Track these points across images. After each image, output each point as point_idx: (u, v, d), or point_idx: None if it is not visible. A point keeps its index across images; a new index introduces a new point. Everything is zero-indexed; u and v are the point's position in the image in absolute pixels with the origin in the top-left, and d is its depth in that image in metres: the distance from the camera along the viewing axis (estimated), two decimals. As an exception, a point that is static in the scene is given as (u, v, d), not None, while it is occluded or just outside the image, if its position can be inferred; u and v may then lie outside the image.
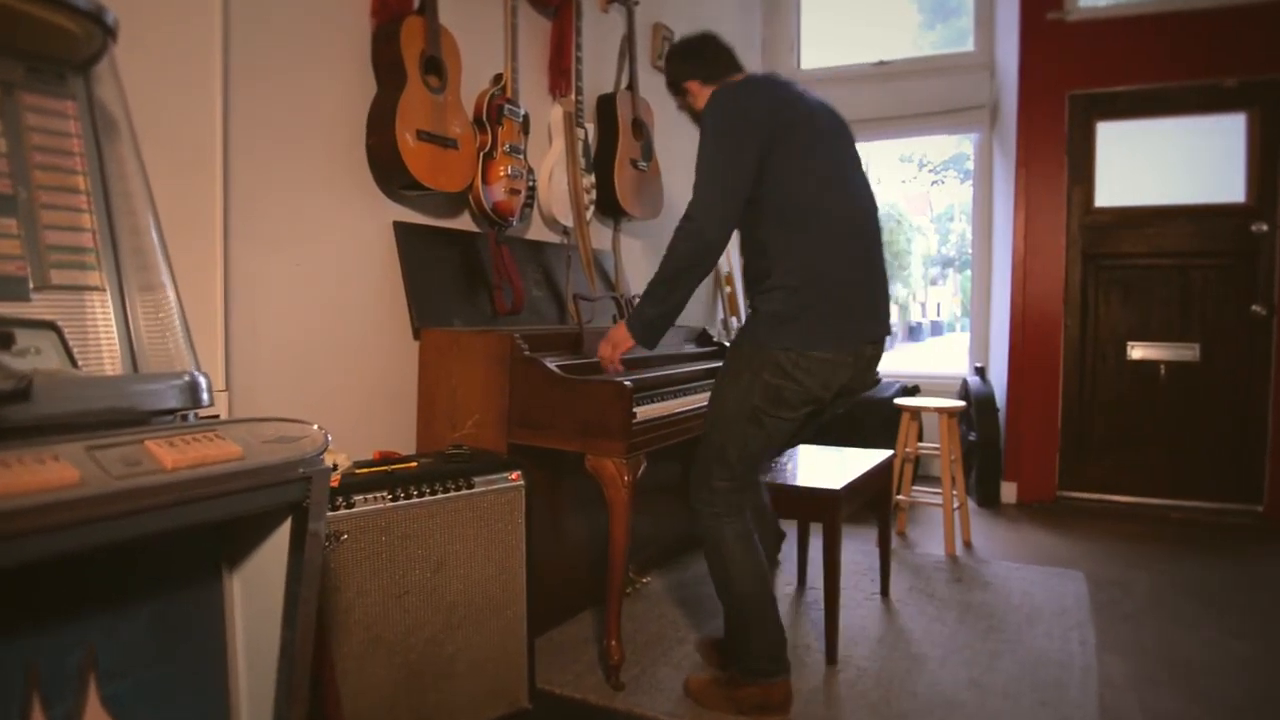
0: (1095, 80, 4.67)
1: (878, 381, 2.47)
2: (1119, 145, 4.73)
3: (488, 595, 2.24)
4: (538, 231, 3.53)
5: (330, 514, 1.96)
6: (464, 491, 2.19)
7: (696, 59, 2.43)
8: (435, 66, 2.71)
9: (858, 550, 3.89)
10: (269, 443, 1.20)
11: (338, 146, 2.59)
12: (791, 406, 2.22)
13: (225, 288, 1.97)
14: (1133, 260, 4.72)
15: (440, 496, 2.14)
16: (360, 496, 2.01)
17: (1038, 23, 4.74)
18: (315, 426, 1.26)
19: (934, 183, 8.76)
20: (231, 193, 2.25)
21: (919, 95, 5.49)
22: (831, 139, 2.28)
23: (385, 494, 2.05)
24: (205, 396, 1.23)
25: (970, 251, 5.73)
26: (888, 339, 2.35)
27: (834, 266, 2.19)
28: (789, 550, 3.74)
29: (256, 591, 1.30)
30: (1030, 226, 4.84)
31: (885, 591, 3.32)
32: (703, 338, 3.89)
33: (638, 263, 4.17)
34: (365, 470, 2.10)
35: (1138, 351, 4.74)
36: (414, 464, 2.19)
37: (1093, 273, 4.79)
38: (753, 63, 5.77)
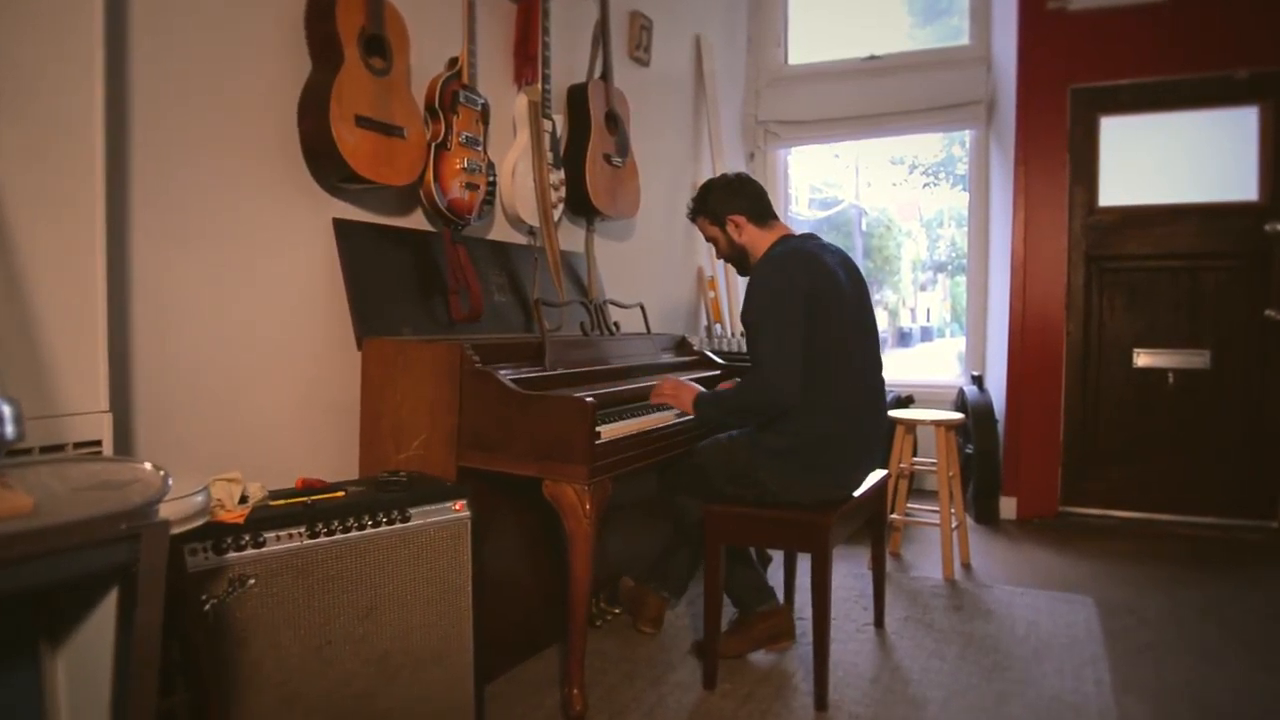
0: (1098, 73, 4.42)
1: None
2: (1124, 141, 4.48)
3: (427, 643, 1.96)
4: (502, 231, 3.26)
5: (235, 555, 1.68)
6: (398, 525, 1.91)
7: (741, 194, 2.65)
8: (379, 46, 2.43)
9: (849, 574, 3.62)
10: (83, 490, 0.92)
11: (269, 133, 2.32)
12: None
13: (110, 290, 1.68)
14: (1139, 262, 4.46)
15: (369, 531, 1.86)
16: (272, 534, 1.73)
17: (1037, 13, 4.49)
18: (148, 466, 0.98)
19: (926, 185, 8.49)
20: (134, 180, 1.98)
21: (912, 91, 5.23)
22: (854, 303, 2.54)
23: (302, 530, 1.77)
24: (9, 430, 0.95)
25: (963, 256, 5.48)
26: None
27: (837, 423, 2.48)
28: (775, 575, 3.47)
29: (86, 676, 1.02)
30: (1030, 228, 4.58)
31: (879, 622, 3.05)
32: (682, 346, 3.62)
33: (613, 265, 3.90)
34: (281, 502, 1.82)
35: (1144, 358, 4.49)
36: (340, 493, 1.91)
37: (1096, 275, 4.53)
38: (737, 60, 5.51)
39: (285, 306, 2.37)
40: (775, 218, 2.70)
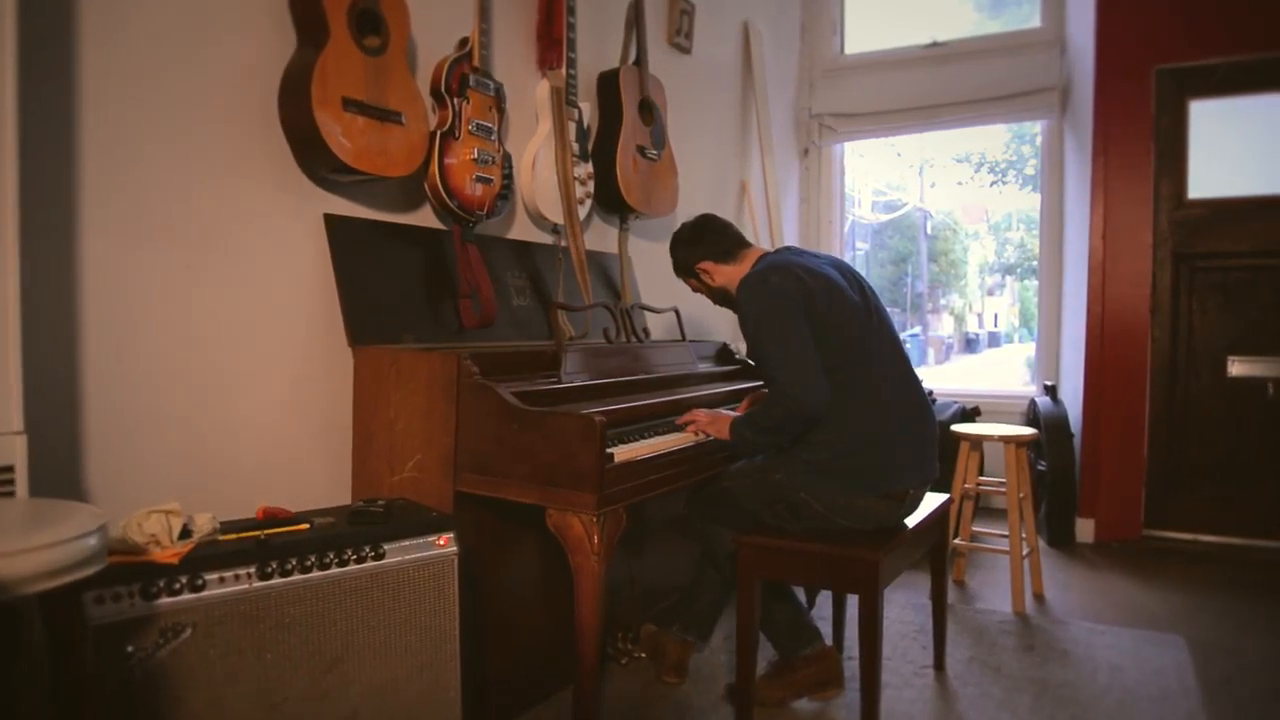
0: (1187, 52, 4.00)
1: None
2: (1216, 127, 4.06)
3: (405, 699, 1.70)
4: (524, 230, 3.00)
5: (168, 601, 1.44)
6: (370, 563, 1.65)
7: (700, 242, 2.50)
8: (372, 22, 2.19)
9: (907, 604, 3.28)
10: None
11: (250, 118, 2.09)
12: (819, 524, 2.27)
13: (43, 293, 1.47)
14: (1233, 260, 4.03)
15: (335, 571, 1.61)
16: (215, 575, 1.48)
17: (1118, -13, 4.10)
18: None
19: (993, 184, 8.08)
20: (83, 169, 1.76)
21: (978, 79, 4.86)
22: (857, 298, 2.31)
23: (252, 570, 1.52)
24: None
25: (1032, 259, 5.08)
26: (934, 474, 2.40)
27: (874, 423, 2.23)
28: (823, 606, 3.15)
29: None
30: (1110, 224, 4.18)
31: (940, 664, 2.71)
32: (723, 354, 3.33)
33: (650, 267, 3.62)
34: (232, 536, 1.58)
35: (1239, 367, 4.05)
36: (304, 526, 1.66)
37: (1185, 276, 4.12)
38: (789, 48, 5.20)
39: (268, 312, 2.14)
40: (747, 246, 2.51)
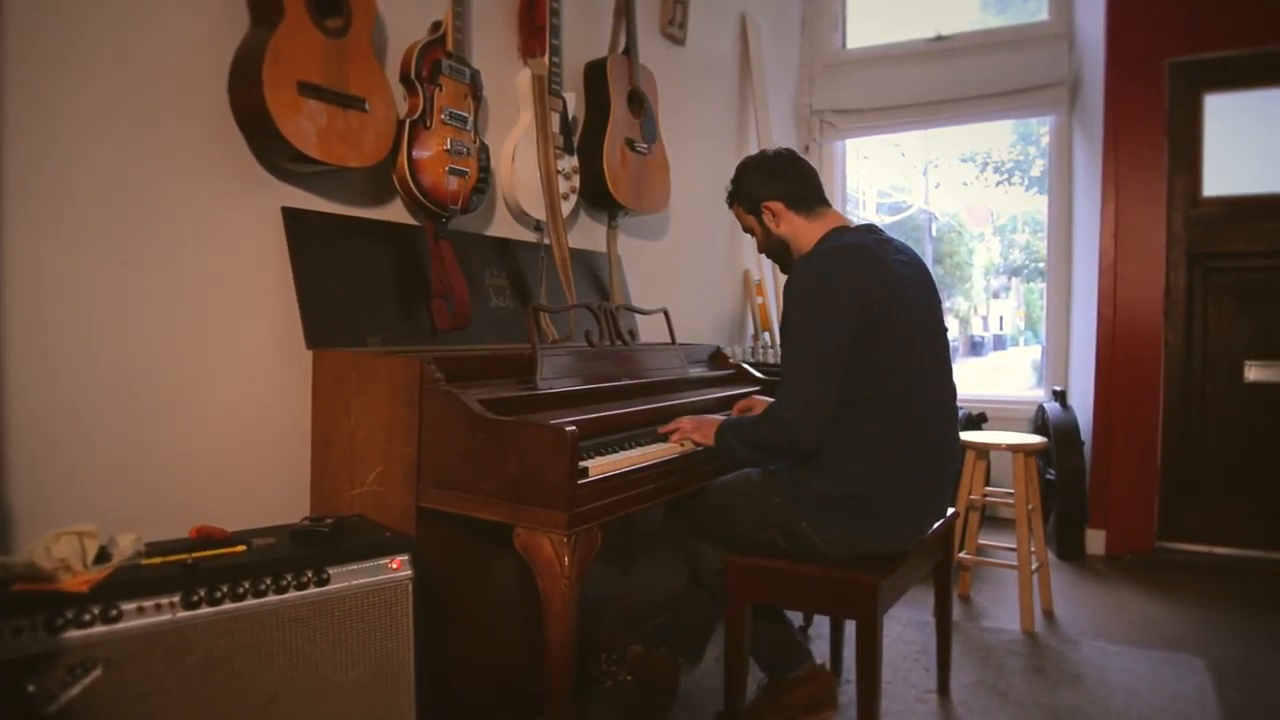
0: (1202, 43, 3.84)
1: None
2: (1232, 122, 3.89)
3: (353, 738, 1.55)
4: (506, 226, 2.85)
5: (78, 634, 1.28)
6: (311, 590, 1.50)
7: (779, 176, 2.20)
8: (333, 1, 2.04)
9: (908, 621, 3.12)
10: None
11: (200, 102, 1.93)
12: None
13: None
14: (1250, 261, 3.87)
15: (272, 599, 1.45)
16: (132, 604, 1.33)
17: (1129, -23, 3.94)
18: None
19: (999, 184, 7.93)
20: (5, 157, 1.61)
21: (984, 74, 4.70)
22: (922, 315, 2.10)
23: (176, 598, 1.36)
24: None
25: (1038, 260, 4.91)
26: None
27: (899, 461, 2.02)
28: (820, 626, 2.99)
29: None
30: (1122, 223, 4.01)
31: (944, 688, 2.55)
32: (716, 358, 3.16)
33: (643, 267, 3.46)
34: (156, 560, 1.42)
35: (1256, 372, 3.89)
36: (240, 548, 1.51)
37: (1200, 277, 3.95)
38: (789, 43, 5.04)
39: (218, 312, 1.98)
40: (826, 205, 2.21)
